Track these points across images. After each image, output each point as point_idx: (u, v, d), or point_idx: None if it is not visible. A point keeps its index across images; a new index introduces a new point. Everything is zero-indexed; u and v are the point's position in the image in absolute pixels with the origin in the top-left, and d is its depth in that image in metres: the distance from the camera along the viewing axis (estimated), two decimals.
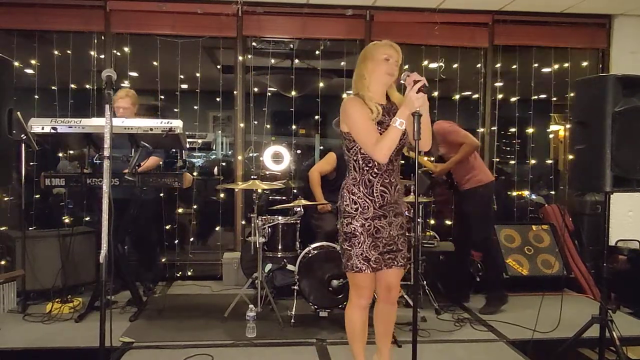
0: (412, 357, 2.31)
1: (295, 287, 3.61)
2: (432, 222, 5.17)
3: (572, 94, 5.01)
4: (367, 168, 2.44)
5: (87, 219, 4.67)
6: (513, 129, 5.45)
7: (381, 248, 2.43)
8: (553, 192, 5.46)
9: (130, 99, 4.02)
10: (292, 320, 3.56)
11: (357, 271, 2.43)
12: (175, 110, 4.96)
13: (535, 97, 5.19)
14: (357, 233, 2.43)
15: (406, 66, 4.41)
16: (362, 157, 2.45)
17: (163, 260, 4.88)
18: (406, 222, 2.56)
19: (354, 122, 2.41)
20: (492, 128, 5.17)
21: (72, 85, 4.76)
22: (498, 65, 5.14)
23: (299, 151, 6.47)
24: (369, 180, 2.45)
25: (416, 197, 2.36)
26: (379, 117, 2.42)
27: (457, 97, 5.22)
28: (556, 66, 5.18)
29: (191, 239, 5.10)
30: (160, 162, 4.05)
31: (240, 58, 4.89)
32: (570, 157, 3.16)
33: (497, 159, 5.23)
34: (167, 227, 4.94)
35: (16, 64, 4.33)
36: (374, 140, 2.34)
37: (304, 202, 3.87)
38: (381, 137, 2.34)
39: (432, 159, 4.45)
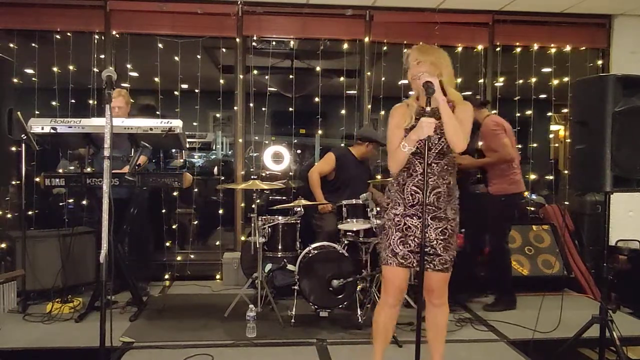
0: (415, 357, 2.31)
1: (296, 287, 3.61)
2: None
3: (572, 94, 5.00)
4: (403, 168, 2.49)
5: (87, 218, 4.66)
6: (513, 129, 5.45)
7: (412, 246, 2.44)
8: (553, 192, 5.46)
9: (124, 98, 4.03)
10: (293, 320, 3.56)
11: (384, 263, 2.50)
12: (176, 110, 4.96)
13: (535, 97, 5.19)
14: (386, 226, 2.51)
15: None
16: None
17: (163, 260, 4.89)
18: (453, 230, 2.49)
19: (387, 128, 2.56)
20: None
21: (72, 85, 4.76)
22: (498, 65, 5.13)
23: (299, 151, 6.47)
24: (402, 179, 2.50)
25: (424, 196, 2.33)
26: (412, 123, 2.45)
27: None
28: (556, 66, 5.18)
29: (191, 239, 5.10)
30: (146, 160, 4.00)
31: (240, 58, 4.89)
32: (570, 157, 3.15)
33: None
34: (167, 227, 4.95)
35: (16, 64, 4.33)
36: (392, 149, 2.47)
37: (304, 202, 3.86)
38: (392, 152, 2.46)
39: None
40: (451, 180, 2.48)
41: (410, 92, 5.14)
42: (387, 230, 2.50)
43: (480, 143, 4.15)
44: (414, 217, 2.45)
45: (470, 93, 5.45)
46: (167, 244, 4.94)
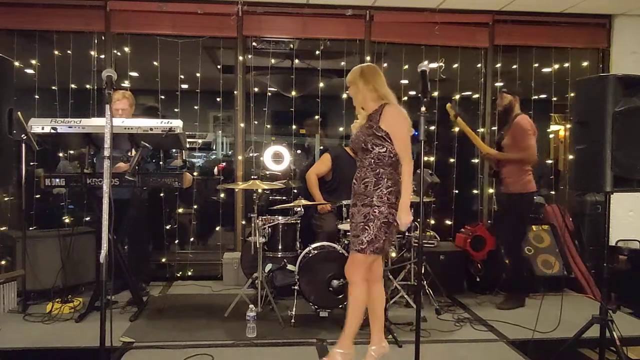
0: (415, 357, 2.31)
1: (296, 287, 3.61)
2: (432, 222, 5.17)
3: (572, 94, 5.01)
4: None
5: (87, 219, 4.67)
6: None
7: (352, 231, 2.85)
8: (553, 192, 5.46)
9: (128, 100, 4.03)
10: (293, 320, 3.56)
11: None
12: (176, 110, 4.96)
13: (535, 97, 5.19)
14: None
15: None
16: None
17: (163, 260, 4.89)
18: (375, 215, 2.72)
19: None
20: (492, 128, 5.17)
21: (72, 85, 4.76)
22: (498, 65, 5.14)
23: (299, 151, 6.47)
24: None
25: (421, 195, 2.34)
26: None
27: (457, 97, 5.22)
28: (556, 66, 5.18)
29: (191, 239, 5.10)
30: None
31: (241, 58, 4.89)
32: (571, 157, 3.16)
33: None
34: (167, 227, 4.95)
35: (16, 64, 4.33)
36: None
37: (304, 202, 3.86)
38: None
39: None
40: (380, 171, 2.76)
41: (411, 92, 5.16)
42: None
43: (506, 139, 4.17)
44: (353, 206, 2.86)
45: (470, 93, 5.46)
46: (167, 244, 4.94)
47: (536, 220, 5.09)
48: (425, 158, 4.28)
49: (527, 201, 4.12)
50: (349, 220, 3.73)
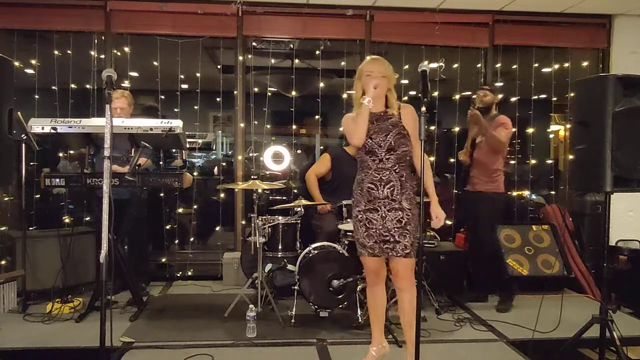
0: (415, 357, 2.31)
1: (296, 287, 3.61)
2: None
3: (572, 94, 5.01)
4: (360, 166, 2.81)
5: (87, 219, 4.67)
6: (513, 129, 5.44)
7: (375, 238, 2.71)
8: (553, 192, 5.46)
9: (126, 99, 4.04)
10: (293, 320, 3.56)
11: (360, 254, 2.83)
12: (176, 110, 4.96)
13: (535, 97, 5.19)
14: (353, 223, 2.85)
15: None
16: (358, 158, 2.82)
17: (163, 260, 4.89)
18: (410, 218, 2.69)
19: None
20: None
21: (72, 85, 4.76)
22: (498, 65, 5.13)
23: (299, 151, 6.47)
24: (360, 178, 2.79)
25: (422, 195, 2.34)
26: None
27: (457, 97, 5.22)
28: (556, 66, 5.17)
29: (191, 239, 5.10)
30: (146, 161, 3.98)
31: (241, 58, 4.89)
32: (571, 157, 3.16)
33: None
34: (167, 227, 4.95)
35: (16, 64, 4.33)
36: (351, 128, 2.80)
37: (304, 202, 3.86)
38: (351, 128, 2.75)
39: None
40: (403, 174, 2.71)
41: (411, 92, 5.16)
42: (355, 226, 2.81)
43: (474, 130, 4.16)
44: (373, 212, 2.71)
45: (469, 93, 5.46)
46: (167, 244, 4.94)
47: (536, 220, 5.10)
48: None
49: (500, 201, 4.12)
50: (349, 220, 3.76)
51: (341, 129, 5.52)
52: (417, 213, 2.67)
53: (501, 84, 5.21)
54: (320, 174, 4.42)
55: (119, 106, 3.95)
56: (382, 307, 2.97)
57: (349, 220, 3.74)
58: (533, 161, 5.36)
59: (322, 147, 6.68)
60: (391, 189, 2.68)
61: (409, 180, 2.73)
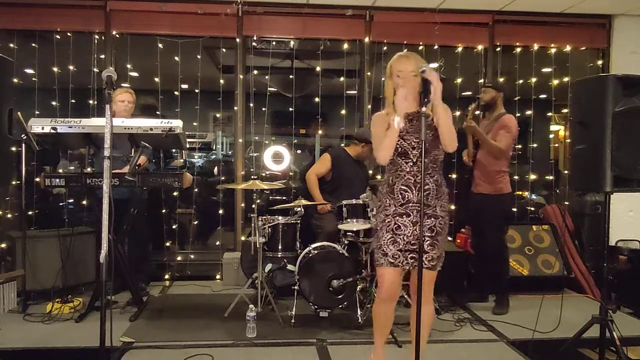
0: (415, 357, 2.30)
1: (296, 287, 3.61)
2: None
3: (571, 94, 5.00)
4: (392, 170, 2.58)
5: (87, 218, 4.66)
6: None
7: (401, 245, 2.49)
8: (553, 192, 5.46)
9: (131, 95, 4.07)
10: (293, 321, 3.56)
11: (377, 263, 2.57)
12: (176, 110, 4.96)
13: (535, 97, 5.19)
14: (377, 228, 2.59)
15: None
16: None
17: (163, 260, 4.89)
18: (442, 227, 2.53)
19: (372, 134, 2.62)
20: None
21: (72, 85, 4.76)
22: (498, 65, 5.13)
23: (299, 151, 6.47)
24: (392, 180, 2.57)
25: (422, 195, 2.33)
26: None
27: (457, 97, 5.22)
28: (556, 66, 5.18)
29: (191, 239, 5.10)
30: (146, 160, 3.97)
31: (240, 58, 4.89)
32: (570, 157, 3.15)
33: None
34: (167, 227, 4.95)
35: (16, 64, 4.33)
36: (378, 143, 2.56)
37: (304, 202, 3.86)
38: (379, 144, 2.54)
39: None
40: (438, 178, 2.54)
41: None
42: (378, 232, 2.57)
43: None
44: (404, 216, 2.51)
45: (469, 93, 5.46)
46: (167, 244, 4.94)
47: (536, 220, 5.10)
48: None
49: (505, 202, 4.06)
50: (349, 221, 3.76)
51: (342, 128, 5.57)
52: (448, 222, 2.55)
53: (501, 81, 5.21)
54: (321, 174, 4.42)
55: (126, 99, 3.99)
56: (389, 327, 2.76)
57: (349, 220, 3.75)
58: (533, 161, 5.36)
59: (321, 148, 6.68)
60: (426, 192, 2.49)
61: (442, 184, 2.57)
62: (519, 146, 5.50)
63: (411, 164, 2.51)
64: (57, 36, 4.71)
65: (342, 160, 4.39)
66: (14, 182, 4.01)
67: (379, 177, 4.97)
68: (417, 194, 2.47)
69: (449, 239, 4.95)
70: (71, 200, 4.83)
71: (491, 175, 3.95)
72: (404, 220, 2.50)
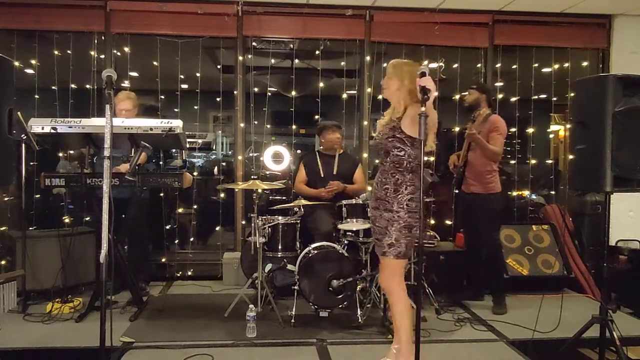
0: (415, 357, 2.31)
1: (296, 287, 3.61)
2: (432, 222, 5.17)
3: (572, 94, 5.01)
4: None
5: (87, 219, 4.67)
6: (513, 129, 5.42)
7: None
8: (553, 192, 5.46)
9: (132, 101, 4.04)
10: (293, 320, 3.56)
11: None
12: (175, 110, 4.96)
13: (535, 97, 5.19)
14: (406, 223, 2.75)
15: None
16: None
17: (163, 260, 4.89)
18: (395, 220, 2.67)
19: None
20: None
21: (72, 85, 4.76)
22: (498, 65, 5.13)
23: (299, 151, 6.47)
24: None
25: (421, 195, 2.34)
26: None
27: (457, 97, 5.22)
28: (556, 66, 5.17)
29: (191, 239, 5.10)
30: (145, 157, 3.95)
31: (241, 58, 4.89)
32: (571, 157, 3.15)
33: None
34: (167, 227, 4.95)
35: (16, 64, 4.33)
36: None
37: (304, 202, 3.87)
38: None
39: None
40: (399, 178, 2.69)
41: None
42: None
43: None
44: (374, 210, 2.77)
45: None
46: (167, 244, 4.94)
47: (536, 220, 5.10)
48: (425, 158, 4.27)
49: (497, 201, 4.06)
50: (349, 220, 3.76)
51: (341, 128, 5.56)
52: (408, 217, 2.66)
53: (501, 84, 5.21)
54: (304, 180, 4.50)
55: (124, 108, 3.96)
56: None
57: (348, 220, 3.75)
58: (533, 161, 5.36)
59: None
60: (385, 190, 2.71)
61: (402, 184, 2.69)
62: (519, 147, 5.51)
63: (380, 164, 2.80)
64: (57, 36, 4.71)
65: (312, 162, 4.48)
66: (13, 182, 4.01)
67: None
68: (379, 191, 2.73)
69: (449, 239, 4.98)
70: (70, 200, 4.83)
71: (482, 175, 3.98)
72: (375, 213, 2.78)
